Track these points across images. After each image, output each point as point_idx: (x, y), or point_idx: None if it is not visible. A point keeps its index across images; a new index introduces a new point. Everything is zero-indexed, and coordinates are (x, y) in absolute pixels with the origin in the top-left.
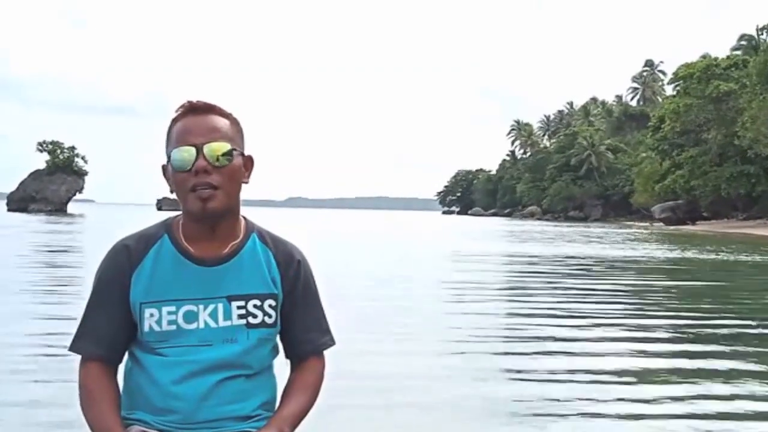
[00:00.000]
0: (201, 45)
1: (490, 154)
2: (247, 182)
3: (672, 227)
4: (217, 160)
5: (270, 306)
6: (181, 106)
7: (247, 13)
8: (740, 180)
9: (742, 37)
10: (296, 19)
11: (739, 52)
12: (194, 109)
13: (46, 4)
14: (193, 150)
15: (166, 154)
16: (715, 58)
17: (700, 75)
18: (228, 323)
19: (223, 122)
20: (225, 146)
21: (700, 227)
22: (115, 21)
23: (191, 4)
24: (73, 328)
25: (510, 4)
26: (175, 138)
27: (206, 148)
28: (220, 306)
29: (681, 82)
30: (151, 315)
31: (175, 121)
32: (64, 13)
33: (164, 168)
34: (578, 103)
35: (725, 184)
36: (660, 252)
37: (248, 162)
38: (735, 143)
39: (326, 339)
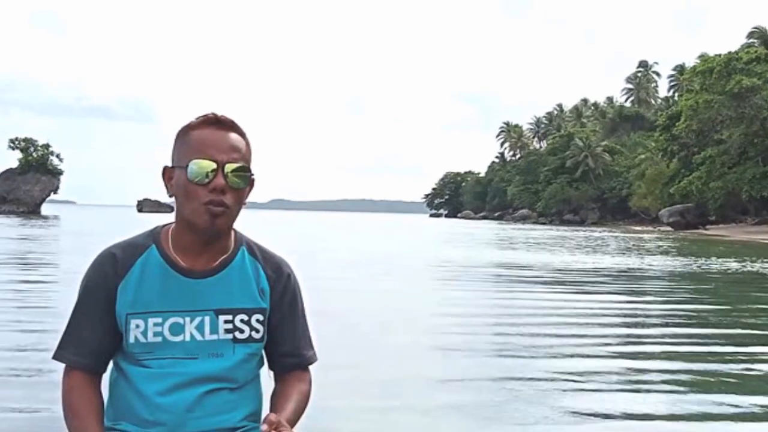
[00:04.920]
0: (179, 46)
1: (474, 157)
2: (245, 204)
3: (685, 232)
4: (235, 181)
5: (257, 321)
6: (204, 116)
7: (229, 14)
8: (764, 181)
9: (751, 34)
10: (276, 20)
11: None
12: (218, 122)
13: (20, 5)
14: (214, 165)
15: (174, 158)
16: (736, 52)
17: (720, 70)
18: (214, 337)
19: (242, 142)
20: (244, 169)
21: (716, 232)
22: (91, 21)
23: (166, 7)
24: None
25: (489, 11)
26: (194, 147)
27: (227, 168)
28: (207, 319)
29: (698, 77)
30: (137, 326)
31: (192, 128)
32: (39, 12)
33: (166, 169)
34: (567, 106)
35: (747, 186)
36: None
37: (251, 184)
38: (755, 142)
39: (312, 353)
